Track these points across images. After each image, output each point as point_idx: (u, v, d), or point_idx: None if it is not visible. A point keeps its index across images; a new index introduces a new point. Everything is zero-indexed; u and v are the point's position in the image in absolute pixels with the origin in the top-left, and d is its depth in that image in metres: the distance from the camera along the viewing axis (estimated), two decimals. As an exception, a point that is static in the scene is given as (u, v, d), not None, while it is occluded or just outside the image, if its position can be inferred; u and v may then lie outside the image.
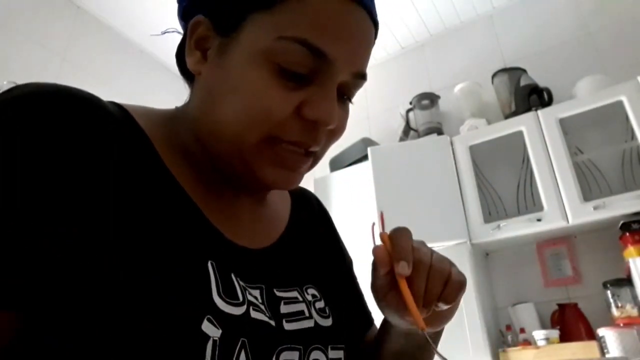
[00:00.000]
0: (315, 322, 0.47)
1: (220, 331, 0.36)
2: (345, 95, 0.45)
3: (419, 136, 2.46)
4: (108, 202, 0.35)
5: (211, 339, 0.35)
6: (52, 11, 2.30)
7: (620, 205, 1.75)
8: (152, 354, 0.32)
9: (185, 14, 0.48)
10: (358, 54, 0.43)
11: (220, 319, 0.36)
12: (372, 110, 2.82)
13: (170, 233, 0.38)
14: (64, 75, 2.25)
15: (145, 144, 0.41)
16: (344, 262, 0.63)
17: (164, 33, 0.56)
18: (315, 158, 0.46)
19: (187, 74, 0.50)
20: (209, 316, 0.35)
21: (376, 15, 0.45)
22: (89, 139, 0.36)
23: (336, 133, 0.46)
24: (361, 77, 0.45)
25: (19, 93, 0.35)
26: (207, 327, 0.35)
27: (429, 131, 2.43)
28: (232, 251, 0.44)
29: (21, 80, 1.72)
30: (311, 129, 0.42)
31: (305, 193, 0.64)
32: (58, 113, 0.35)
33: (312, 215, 0.62)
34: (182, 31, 0.50)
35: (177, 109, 0.51)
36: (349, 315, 0.56)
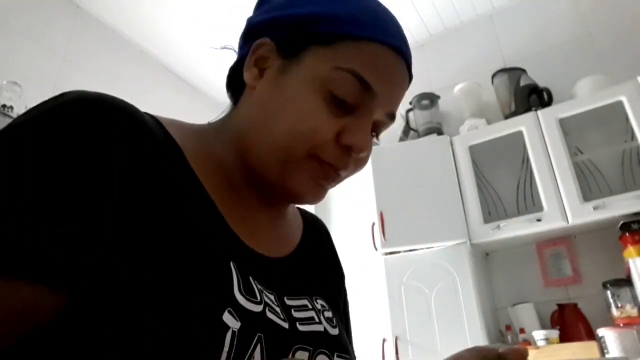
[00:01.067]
0: (325, 328, 0.49)
1: (239, 324, 0.37)
2: (374, 132, 0.51)
3: (419, 136, 2.47)
4: (140, 202, 0.38)
5: (230, 329, 0.37)
6: (52, 11, 2.30)
7: (620, 206, 1.75)
8: (175, 340, 0.34)
9: (250, 34, 0.53)
10: (395, 97, 0.50)
11: (240, 312, 0.38)
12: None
13: (195, 234, 0.41)
14: (64, 75, 2.25)
15: (176, 154, 0.45)
16: (343, 299, 0.65)
17: (223, 48, 0.61)
18: (342, 180, 0.52)
19: (234, 90, 0.55)
20: (229, 308, 0.37)
21: (411, 71, 0.52)
22: (126, 144, 0.38)
23: (362, 163, 0.52)
24: (391, 117, 0.51)
25: (64, 100, 0.38)
26: (228, 318, 0.37)
27: (429, 131, 2.43)
28: (251, 257, 0.46)
29: (21, 80, 1.71)
30: (344, 154, 0.48)
31: (316, 220, 0.69)
32: (96, 120, 0.38)
33: (322, 243, 0.65)
34: (236, 49, 0.56)
35: (210, 124, 0.55)
36: None
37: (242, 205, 0.50)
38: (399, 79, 0.49)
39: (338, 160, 0.48)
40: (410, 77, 0.53)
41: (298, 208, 0.66)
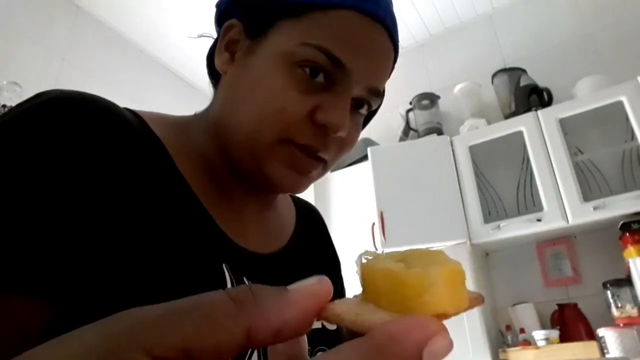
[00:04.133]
0: (322, 324, 0.48)
1: None
2: (358, 108, 0.47)
3: (419, 136, 2.47)
4: (122, 205, 0.36)
5: None
6: (52, 11, 2.30)
7: (620, 206, 1.75)
8: None
9: (220, 18, 0.50)
10: (375, 70, 0.45)
11: None
12: (372, 110, 2.82)
13: (184, 239, 0.39)
14: (64, 75, 2.24)
15: (159, 151, 0.43)
16: (339, 287, 0.64)
17: (200, 37, 0.58)
18: (325, 166, 0.47)
19: (215, 78, 0.52)
20: None
21: (396, 37, 0.47)
22: (104, 145, 0.37)
23: (346, 145, 0.47)
24: (376, 93, 0.46)
25: (43, 99, 0.37)
26: None
27: (429, 131, 2.43)
28: (243, 256, 0.45)
29: (21, 80, 1.71)
30: (322, 134, 0.43)
31: (309, 207, 0.66)
32: (76, 119, 0.36)
33: (315, 231, 0.63)
34: (215, 36, 0.52)
35: (195, 115, 0.53)
36: None
37: (229, 200, 0.48)
38: (378, 50, 0.45)
39: (313, 140, 0.43)
40: (396, 47, 0.48)
41: (291, 195, 0.63)
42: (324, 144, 0.44)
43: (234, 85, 0.46)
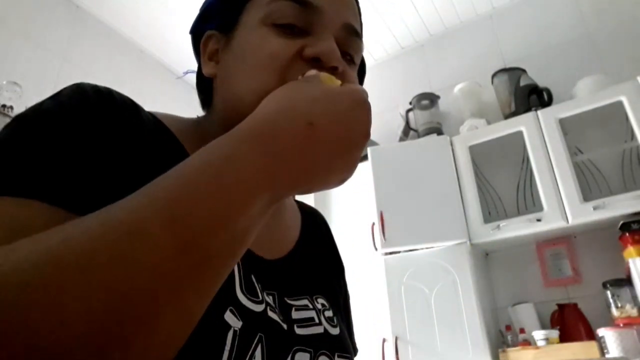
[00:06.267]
0: (325, 329, 0.48)
1: (241, 323, 0.37)
2: (347, 54, 0.48)
3: (418, 136, 2.47)
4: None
5: (232, 328, 0.37)
6: (52, 11, 2.30)
7: (620, 206, 1.75)
8: None
9: (196, 40, 0.53)
10: (343, 6, 0.47)
11: (242, 312, 0.38)
12: (371, 110, 2.82)
13: None
14: (64, 75, 2.25)
15: (175, 145, 0.44)
16: (343, 292, 0.64)
17: (186, 74, 0.60)
18: None
19: (205, 94, 0.53)
20: (231, 307, 0.37)
21: None
22: (126, 127, 0.39)
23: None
24: (355, 33, 0.48)
25: (65, 89, 0.39)
26: (230, 317, 0.37)
27: (429, 131, 2.43)
28: (249, 259, 0.45)
29: (21, 80, 1.70)
30: (317, 67, 0.44)
31: (314, 212, 0.67)
32: (98, 104, 0.38)
33: (320, 237, 0.64)
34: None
35: (198, 117, 0.54)
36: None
37: None
38: None
39: None
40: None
41: (296, 201, 0.65)
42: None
43: (226, 75, 0.47)
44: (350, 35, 0.47)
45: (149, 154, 0.40)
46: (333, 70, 0.44)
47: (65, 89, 0.39)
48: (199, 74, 0.53)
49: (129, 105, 0.41)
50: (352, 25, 0.47)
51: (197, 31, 0.52)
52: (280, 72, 0.42)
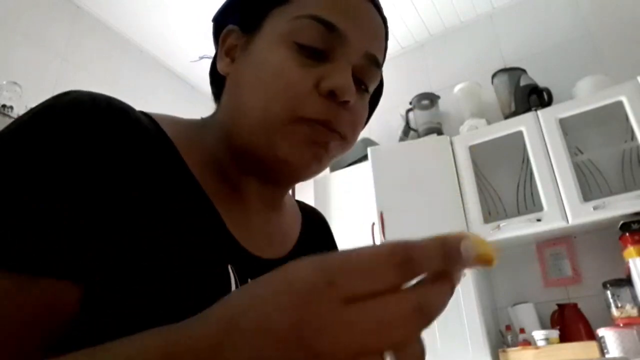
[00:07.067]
0: None
1: None
2: (362, 83, 0.47)
3: (418, 136, 2.47)
4: (135, 199, 0.37)
5: None
6: (52, 11, 2.30)
7: (620, 206, 1.75)
8: None
9: (217, 31, 0.52)
10: (367, 34, 0.46)
11: None
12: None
13: (192, 236, 0.40)
14: (64, 76, 2.24)
15: (171, 151, 0.44)
16: None
17: (202, 58, 0.60)
18: (341, 140, 0.47)
19: (217, 88, 0.53)
20: None
21: (383, 12, 0.50)
22: (119, 142, 0.38)
23: (357, 120, 0.48)
24: (375, 63, 0.47)
25: (58, 102, 0.37)
26: None
27: (429, 131, 2.43)
28: (247, 259, 0.45)
29: (21, 80, 1.70)
30: (331, 104, 0.43)
31: (315, 212, 0.67)
32: (90, 120, 0.37)
33: (320, 237, 0.64)
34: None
35: (203, 119, 0.53)
36: None
37: (238, 202, 0.49)
38: (367, 15, 0.47)
39: (326, 112, 0.43)
40: (385, 22, 0.50)
41: (297, 200, 0.65)
42: (335, 115, 0.44)
43: (237, 81, 0.47)
44: (370, 65, 0.47)
45: (138, 192, 0.38)
46: (344, 104, 0.44)
47: (57, 105, 0.37)
48: (214, 64, 0.53)
49: (125, 123, 0.39)
50: (373, 55, 0.47)
51: (220, 22, 0.52)
52: (292, 103, 0.42)
